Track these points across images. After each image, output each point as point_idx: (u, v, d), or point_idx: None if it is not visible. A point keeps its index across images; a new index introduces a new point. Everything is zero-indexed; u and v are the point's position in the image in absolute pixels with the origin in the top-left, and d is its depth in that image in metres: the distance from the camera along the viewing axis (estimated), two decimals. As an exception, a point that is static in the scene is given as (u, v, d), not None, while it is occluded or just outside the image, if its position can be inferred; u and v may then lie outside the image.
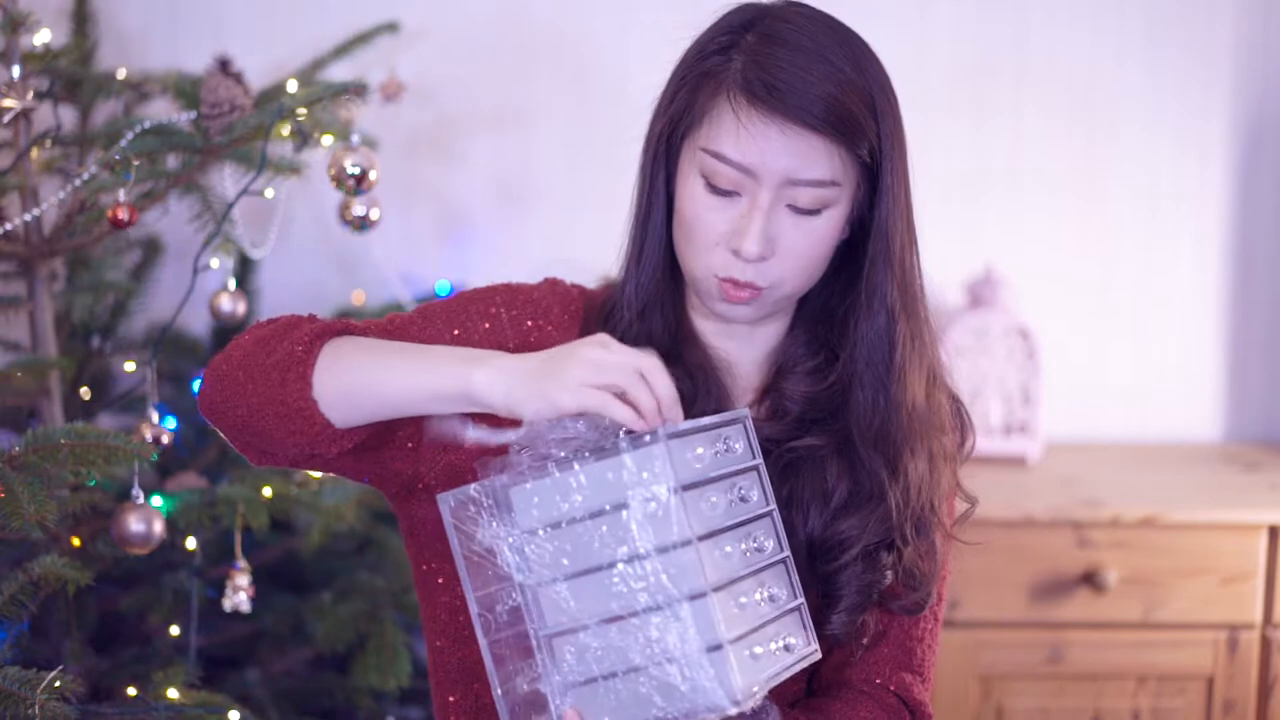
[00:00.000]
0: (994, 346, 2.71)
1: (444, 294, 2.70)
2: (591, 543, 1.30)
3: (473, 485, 1.35)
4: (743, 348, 1.52)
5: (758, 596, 1.34)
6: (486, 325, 1.49)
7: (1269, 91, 2.81)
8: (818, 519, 1.45)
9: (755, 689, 1.29)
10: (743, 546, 1.34)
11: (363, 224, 2.04)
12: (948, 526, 1.53)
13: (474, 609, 1.35)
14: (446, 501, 1.36)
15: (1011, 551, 2.44)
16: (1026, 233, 2.83)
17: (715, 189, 1.40)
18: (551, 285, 1.55)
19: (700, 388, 1.47)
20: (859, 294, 1.46)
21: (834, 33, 1.41)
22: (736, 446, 1.37)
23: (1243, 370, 2.88)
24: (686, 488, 1.29)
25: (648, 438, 1.28)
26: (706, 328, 1.51)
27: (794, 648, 1.36)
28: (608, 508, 1.30)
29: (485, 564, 1.35)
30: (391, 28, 2.45)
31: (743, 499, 1.36)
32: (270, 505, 2.02)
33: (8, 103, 1.90)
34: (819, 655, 1.39)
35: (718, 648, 1.27)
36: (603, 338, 1.31)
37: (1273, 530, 2.44)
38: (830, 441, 1.46)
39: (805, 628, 1.39)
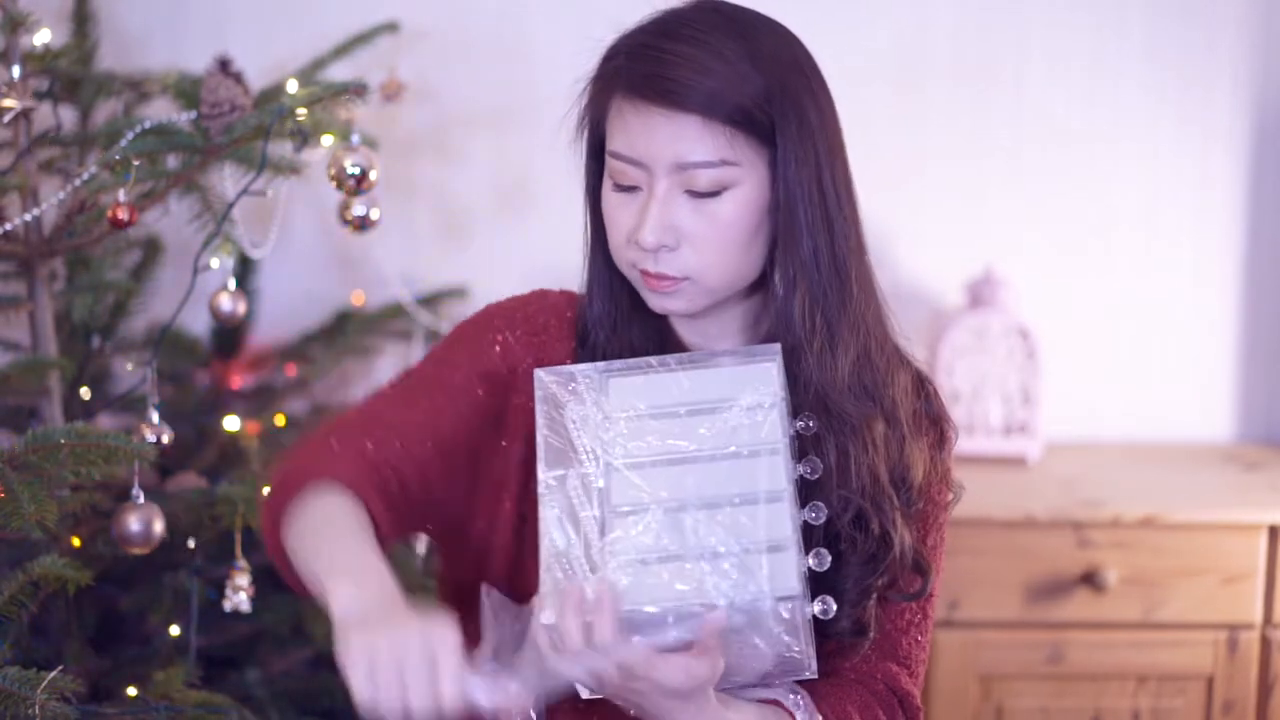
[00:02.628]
0: (994, 346, 2.71)
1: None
2: (682, 437, 1.38)
3: (574, 366, 1.43)
4: (716, 342, 1.54)
5: (806, 557, 1.37)
6: (498, 349, 1.52)
7: (1273, 87, 2.81)
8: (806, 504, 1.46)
9: (798, 605, 1.33)
10: (800, 510, 1.39)
11: (363, 224, 2.04)
12: (938, 520, 1.54)
13: (542, 486, 1.39)
14: (543, 374, 1.43)
15: (1011, 552, 2.44)
16: (1026, 233, 2.83)
17: (620, 187, 1.44)
18: (541, 298, 1.57)
19: None
20: (773, 272, 1.47)
21: (732, 22, 1.43)
22: (800, 424, 1.44)
23: (1245, 370, 2.88)
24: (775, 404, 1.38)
25: (762, 354, 1.40)
26: (683, 329, 1.54)
27: (828, 608, 1.39)
28: (705, 409, 1.38)
29: (564, 441, 1.40)
30: (392, 28, 2.45)
31: (805, 429, 1.43)
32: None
33: (8, 103, 1.90)
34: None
35: (780, 548, 1.33)
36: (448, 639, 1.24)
37: (1273, 530, 2.44)
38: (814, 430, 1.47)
39: (794, 566, 1.42)
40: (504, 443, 1.52)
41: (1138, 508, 2.45)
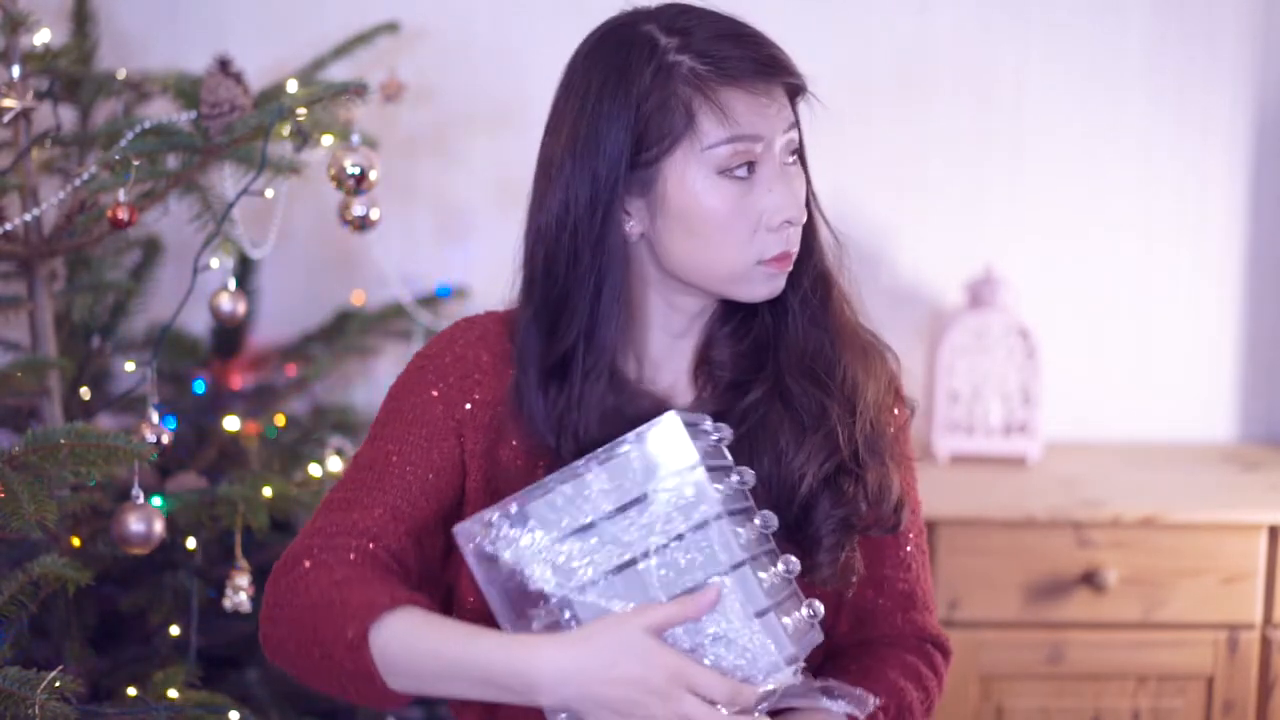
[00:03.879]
0: (994, 346, 2.71)
1: (444, 292, 2.71)
2: (621, 538, 1.32)
3: (485, 512, 1.36)
4: (689, 341, 1.55)
5: (775, 569, 1.37)
6: (439, 408, 1.51)
7: (1273, 87, 2.81)
8: (774, 467, 1.47)
9: (799, 655, 1.33)
10: (753, 523, 1.38)
11: (363, 224, 2.04)
12: (902, 452, 1.57)
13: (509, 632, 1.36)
14: (465, 533, 1.37)
15: (1011, 551, 2.44)
16: (1026, 233, 2.83)
17: (735, 176, 1.43)
18: (466, 330, 1.55)
19: (649, 409, 1.48)
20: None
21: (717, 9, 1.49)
22: (721, 433, 1.41)
23: (1244, 370, 2.88)
24: (704, 467, 1.33)
25: (659, 421, 1.32)
26: (658, 332, 1.54)
27: (816, 612, 1.40)
28: (630, 501, 1.32)
29: (514, 586, 1.35)
30: (391, 28, 2.45)
31: (743, 484, 1.39)
32: (270, 505, 2.02)
33: (8, 103, 1.90)
34: (820, 637, 1.43)
35: (764, 612, 1.31)
36: (669, 669, 1.31)
37: (1273, 530, 2.44)
38: (765, 391, 1.50)
39: (799, 597, 1.43)
40: (467, 484, 1.52)
41: (1138, 508, 2.45)
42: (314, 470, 2.27)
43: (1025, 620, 2.45)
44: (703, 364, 1.53)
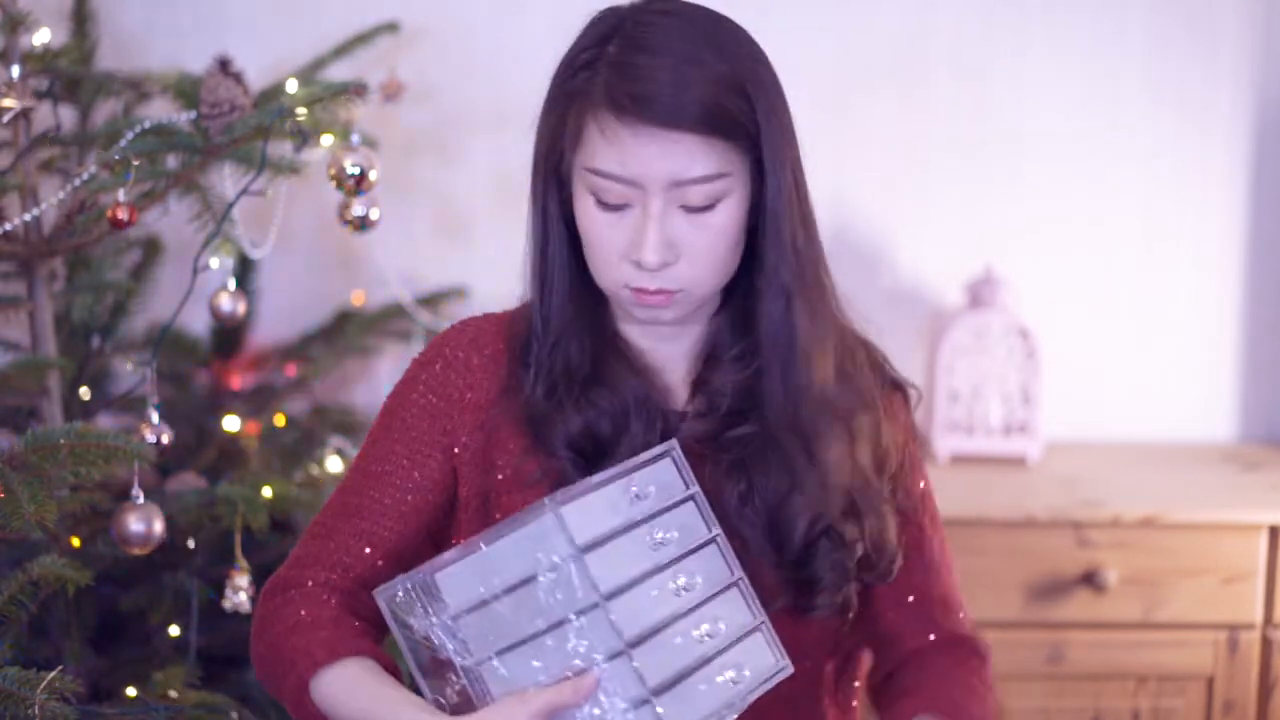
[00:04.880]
0: (994, 346, 2.71)
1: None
2: (515, 617, 1.31)
3: (400, 579, 1.35)
4: (673, 344, 1.52)
5: (696, 633, 1.34)
6: (425, 422, 1.52)
7: (1273, 87, 2.81)
8: (766, 506, 1.45)
9: None
10: (672, 586, 1.34)
11: (363, 224, 2.04)
12: (911, 487, 1.55)
13: (428, 697, 1.36)
14: (382, 596, 1.36)
15: (1011, 552, 2.44)
16: (1026, 232, 2.83)
17: (606, 205, 1.40)
18: (459, 332, 1.55)
19: (632, 408, 1.47)
20: (756, 279, 1.45)
21: (694, 25, 1.40)
22: (652, 489, 1.36)
23: (1244, 370, 2.88)
24: (589, 548, 1.29)
25: (542, 505, 1.29)
26: (635, 332, 1.52)
27: (752, 671, 1.36)
28: (521, 581, 1.30)
29: (427, 652, 1.35)
30: (391, 28, 2.45)
31: (665, 541, 1.35)
32: (270, 505, 2.02)
33: (7, 102, 1.90)
34: (790, 670, 1.39)
35: (643, 702, 1.28)
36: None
37: (1273, 530, 2.44)
38: (761, 428, 1.47)
39: (771, 645, 1.39)
40: (460, 492, 1.53)
41: (1138, 507, 2.45)
42: (314, 470, 2.27)
43: (1025, 620, 2.45)
44: (703, 382, 1.50)
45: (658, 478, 1.38)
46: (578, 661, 1.29)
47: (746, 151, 1.40)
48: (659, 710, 1.28)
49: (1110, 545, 2.44)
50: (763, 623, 1.39)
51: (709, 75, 1.37)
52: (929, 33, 2.78)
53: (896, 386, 1.57)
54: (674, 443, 1.40)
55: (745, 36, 1.44)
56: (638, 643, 1.30)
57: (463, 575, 1.32)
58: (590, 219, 1.42)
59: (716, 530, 1.39)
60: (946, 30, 2.79)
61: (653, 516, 1.36)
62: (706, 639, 1.34)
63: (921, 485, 1.58)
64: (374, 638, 1.47)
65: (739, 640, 1.37)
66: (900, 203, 2.80)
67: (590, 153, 1.39)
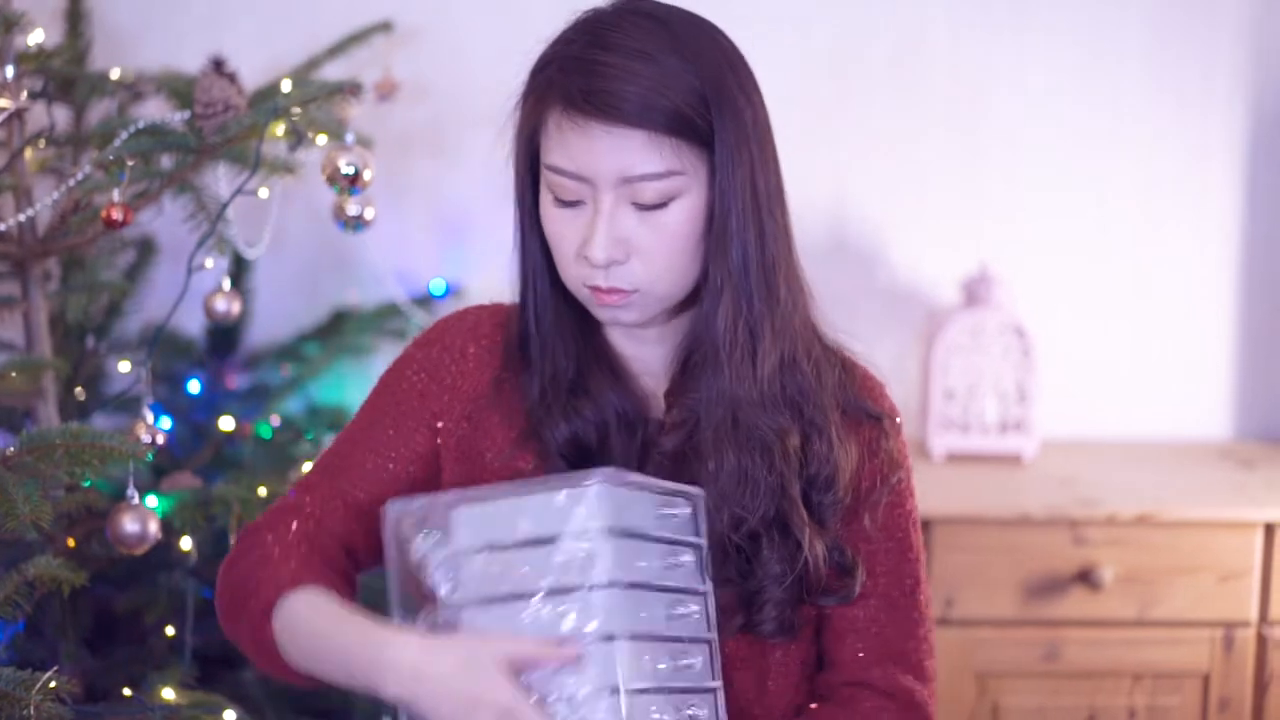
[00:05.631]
0: (989, 345, 2.71)
1: (439, 294, 2.71)
2: (521, 570, 1.31)
3: (421, 498, 1.36)
4: (654, 348, 1.51)
5: (674, 663, 1.34)
6: (416, 401, 1.53)
7: (1272, 87, 2.81)
8: (712, 505, 1.44)
9: None
10: (668, 612, 1.35)
11: (357, 223, 2.04)
12: (885, 519, 1.51)
13: (396, 621, 1.36)
14: (393, 509, 1.37)
15: (1007, 550, 2.44)
16: (1022, 230, 2.83)
17: (562, 202, 1.40)
18: (459, 319, 1.56)
19: (613, 422, 1.47)
20: (702, 281, 1.44)
21: (665, 27, 1.39)
22: (676, 517, 1.37)
23: (1240, 368, 2.88)
24: (623, 534, 1.30)
25: (593, 478, 1.29)
26: (618, 336, 1.52)
27: None
28: (541, 538, 1.30)
29: (412, 582, 1.35)
30: (386, 27, 2.45)
31: (678, 565, 1.36)
32: (265, 504, 2.01)
33: (1, 103, 1.90)
34: None
35: (614, 692, 1.28)
36: (499, 692, 1.29)
37: (1269, 528, 2.44)
38: (712, 434, 1.44)
39: (717, 711, 1.38)
40: (444, 478, 1.53)
41: (1133, 505, 2.45)
42: (308, 469, 2.27)
43: (1021, 618, 2.45)
44: (676, 392, 1.49)
45: (682, 510, 1.39)
46: (565, 633, 1.29)
47: (705, 151, 1.39)
48: (624, 705, 1.28)
49: (1106, 543, 2.44)
50: (717, 688, 1.39)
51: (663, 74, 1.36)
52: (925, 32, 2.78)
53: (871, 417, 1.52)
54: (701, 494, 1.40)
55: (725, 43, 1.42)
56: (636, 639, 1.30)
57: (485, 515, 1.33)
58: (549, 217, 1.42)
59: (708, 586, 1.40)
60: (944, 28, 2.79)
61: (674, 542, 1.37)
62: (679, 671, 1.35)
63: (902, 521, 1.53)
64: (342, 587, 1.46)
65: (698, 691, 1.37)
66: (896, 201, 2.80)
67: (548, 149, 1.40)
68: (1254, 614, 2.45)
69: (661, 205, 1.39)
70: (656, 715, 1.31)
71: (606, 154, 1.36)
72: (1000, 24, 2.79)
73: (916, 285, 2.82)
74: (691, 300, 1.47)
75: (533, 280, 1.48)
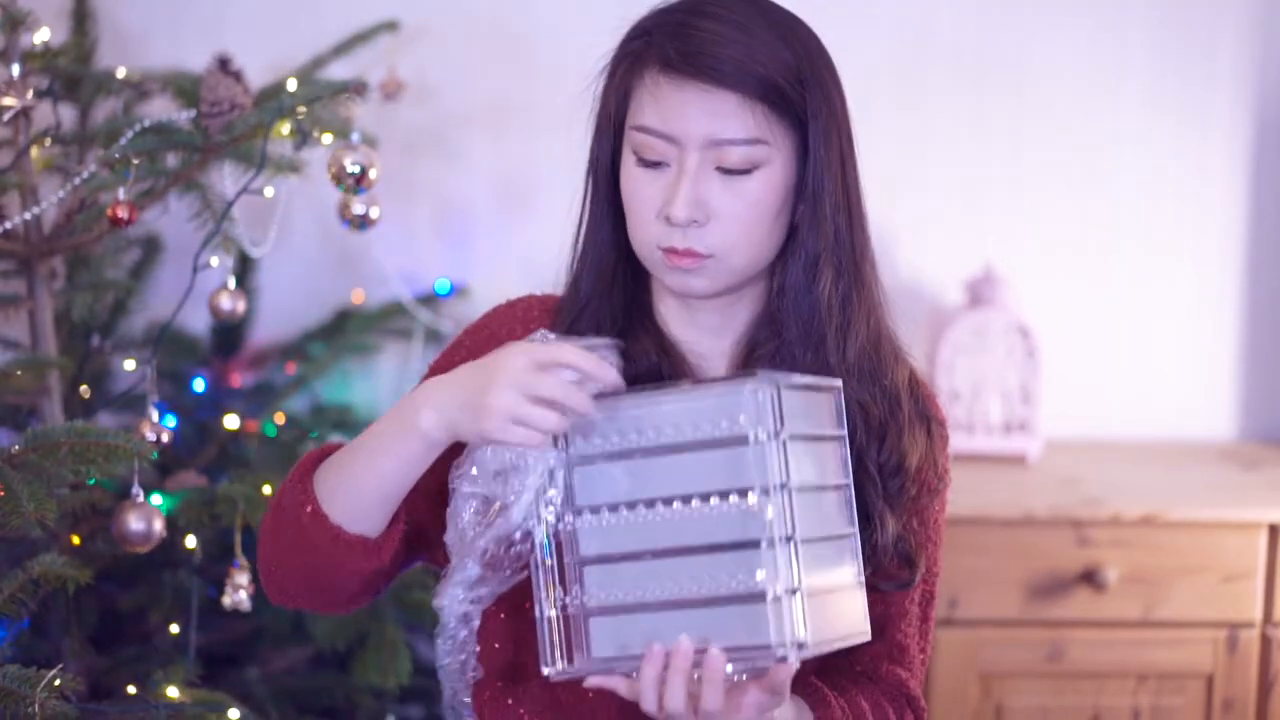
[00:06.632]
0: (994, 345, 2.71)
1: (444, 293, 2.71)
2: (665, 474, 1.31)
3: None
4: (714, 339, 1.52)
5: (836, 570, 1.34)
6: None
7: (1273, 87, 2.81)
8: None
9: (810, 644, 1.28)
10: (827, 511, 1.35)
11: (362, 223, 2.04)
12: (935, 519, 1.54)
13: (460, 522, 1.36)
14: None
15: (1011, 550, 2.44)
16: (1026, 231, 2.83)
17: (645, 162, 1.42)
18: (507, 309, 1.57)
19: (663, 364, 1.48)
20: (788, 257, 1.46)
21: (757, 6, 1.43)
22: (824, 412, 1.37)
23: (1244, 368, 2.88)
24: (792, 437, 1.30)
25: (751, 383, 1.29)
26: (676, 323, 1.52)
27: (852, 622, 1.36)
28: (696, 441, 1.31)
29: (498, 474, 1.34)
30: (391, 26, 2.45)
31: (829, 464, 1.36)
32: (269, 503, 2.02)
33: (7, 101, 1.90)
34: (868, 637, 1.39)
35: (793, 591, 1.27)
36: (520, 346, 1.33)
37: (1273, 529, 2.44)
38: None
39: (861, 608, 1.38)
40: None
41: (1138, 506, 2.45)
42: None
43: (1025, 619, 2.45)
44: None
45: (828, 404, 1.38)
46: (720, 533, 1.28)
47: (792, 129, 1.41)
48: (803, 606, 1.27)
49: (1110, 543, 2.44)
50: (861, 582, 1.38)
51: (766, 48, 1.39)
52: (929, 31, 2.78)
53: (930, 420, 1.54)
54: (839, 384, 1.39)
55: (817, 40, 1.46)
56: (807, 540, 1.29)
57: (617, 419, 1.34)
58: (630, 177, 1.44)
59: (849, 480, 1.39)
60: (947, 28, 2.79)
61: (824, 438, 1.36)
62: (840, 572, 1.34)
63: (935, 535, 1.56)
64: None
65: (850, 589, 1.36)
66: (900, 201, 2.80)
67: (638, 110, 1.42)
68: (1258, 614, 2.45)
69: (745, 172, 1.40)
70: (826, 613, 1.30)
71: (698, 115, 1.38)
72: (1004, 24, 2.79)
73: (921, 285, 2.82)
74: (751, 293, 1.49)
75: (597, 247, 1.49)
